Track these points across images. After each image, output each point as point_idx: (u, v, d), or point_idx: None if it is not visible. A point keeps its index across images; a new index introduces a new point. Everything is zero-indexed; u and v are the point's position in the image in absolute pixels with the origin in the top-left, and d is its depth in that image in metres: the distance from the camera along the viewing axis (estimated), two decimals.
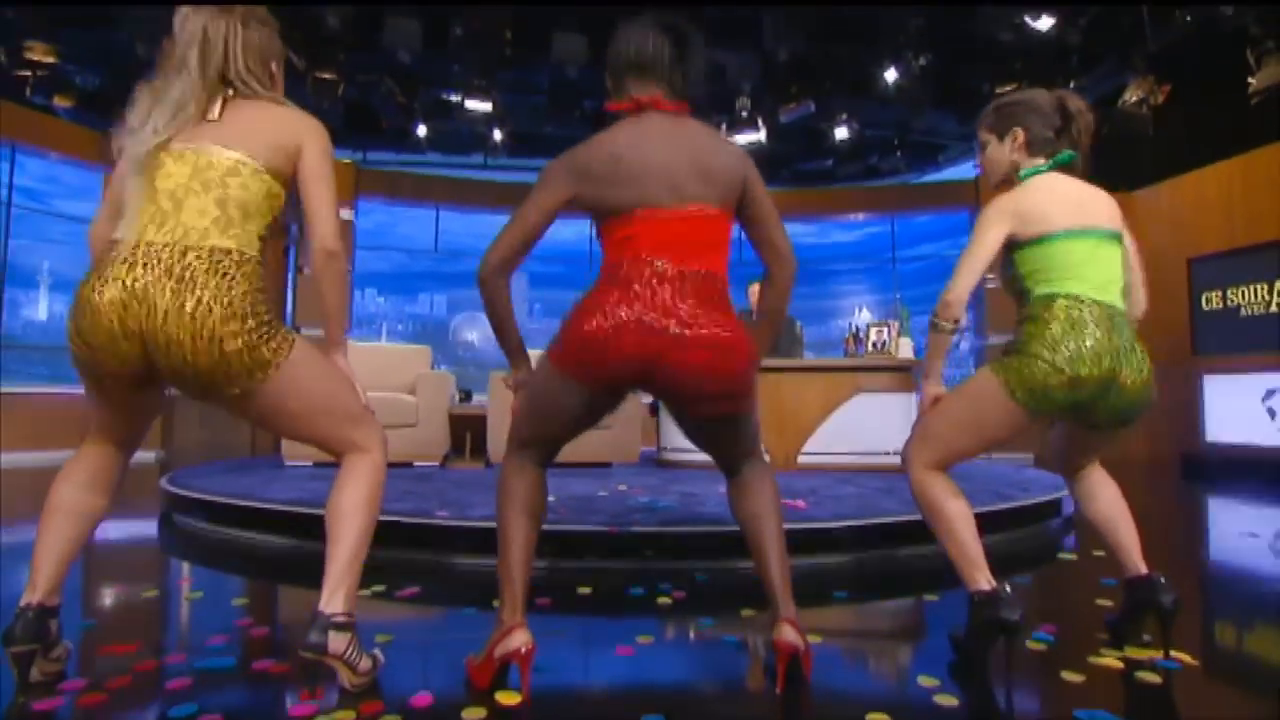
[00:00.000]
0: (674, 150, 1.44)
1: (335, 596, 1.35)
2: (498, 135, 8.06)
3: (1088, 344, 1.50)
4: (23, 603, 1.32)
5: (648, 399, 6.02)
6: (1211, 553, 3.00)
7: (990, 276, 1.70)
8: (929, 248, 9.59)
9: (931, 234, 9.54)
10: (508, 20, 6.15)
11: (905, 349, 4.42)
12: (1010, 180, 1.69)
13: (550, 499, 2.95)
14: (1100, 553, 2.66)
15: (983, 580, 1.54)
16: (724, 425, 1.52)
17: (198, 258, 1.27)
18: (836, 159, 9.57)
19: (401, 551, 2.46)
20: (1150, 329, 1.74)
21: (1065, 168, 1.66)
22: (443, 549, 2.51)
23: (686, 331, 1.36)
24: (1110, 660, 1.56)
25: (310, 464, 4.21)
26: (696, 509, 2.86)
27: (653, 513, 2.78)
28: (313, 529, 2.54)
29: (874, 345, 4.52)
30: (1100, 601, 2.00)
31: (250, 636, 1.76)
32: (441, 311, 10.53)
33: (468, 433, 4.80)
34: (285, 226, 1.41)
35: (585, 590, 2.16)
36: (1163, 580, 1.59)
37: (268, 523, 2.79)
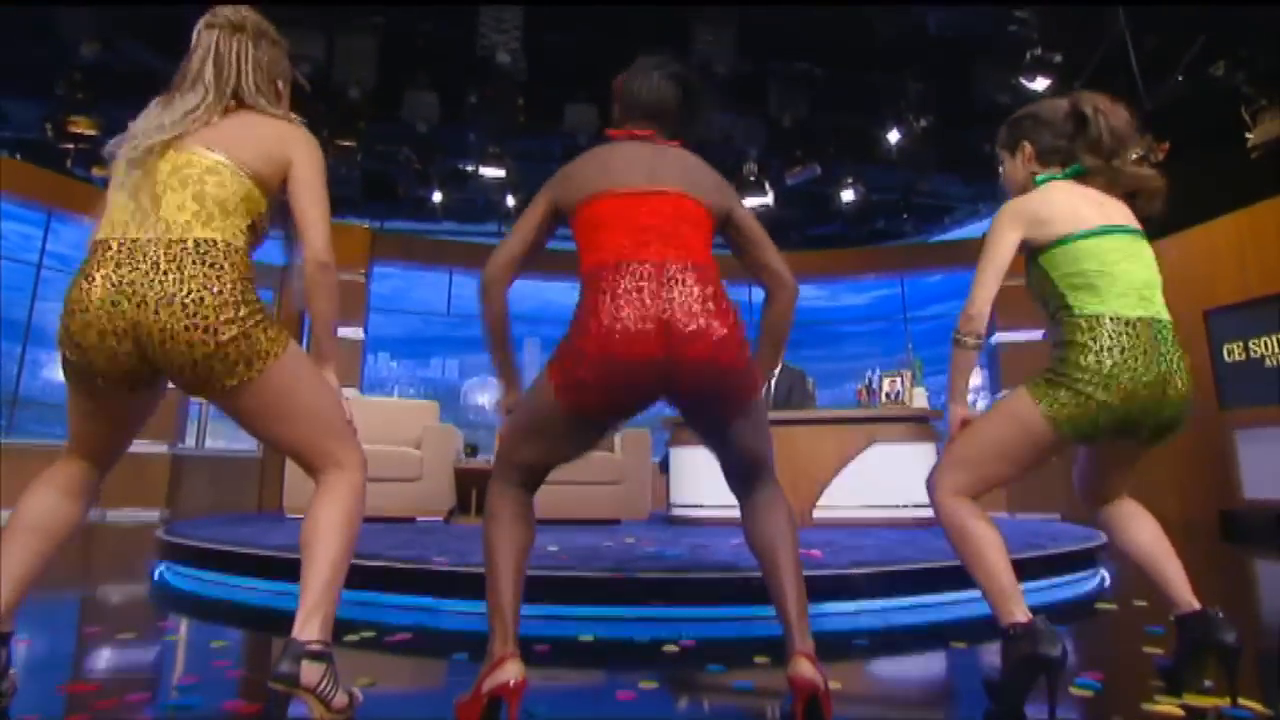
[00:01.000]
0: (658, 158, 1.47)
1: (310, 622, 1.25)
2: (511, 202, 8.28)
3: (1139, 372, 1.42)
4: None
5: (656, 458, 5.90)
6: (1268, 604, 2.79)
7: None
8: (940, 308, 9.57)
9: (943, 294, 9.55)
10: (521, 90, 6.40)
11: (920, 399, 4.32)
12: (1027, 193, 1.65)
13: (553, 548, 2.86)
14: (1142, 602, 2.48)
15: (1018, 612, 1.40)
16: (740, 420, 1.44)
17: (183, 249, 1.25)
18: (844, 223, 9.72)
19: (396, 596, 2.34)
20: None
21: (1081, 178, 1.61)
22: (439, 595, 2.38)
23: (684, 327, 1.32)
24: (1169, 707, 1.40)
25: None
26: (707, 558, 2.72)
27: (661, 560, 2.64)
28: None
29: (888, 396, 4.42)
30: (1149, 649, 1.83)
31: (224, 678, 1.65)
32: (454, 375, 10.55)
33: (474, 489, 4.69)
34: (263, 236, 1.39)
35: (587, 639, 2.02)
36: (1220, 616, 1.45)
37: (257, 568, 2.68)
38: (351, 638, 1.94)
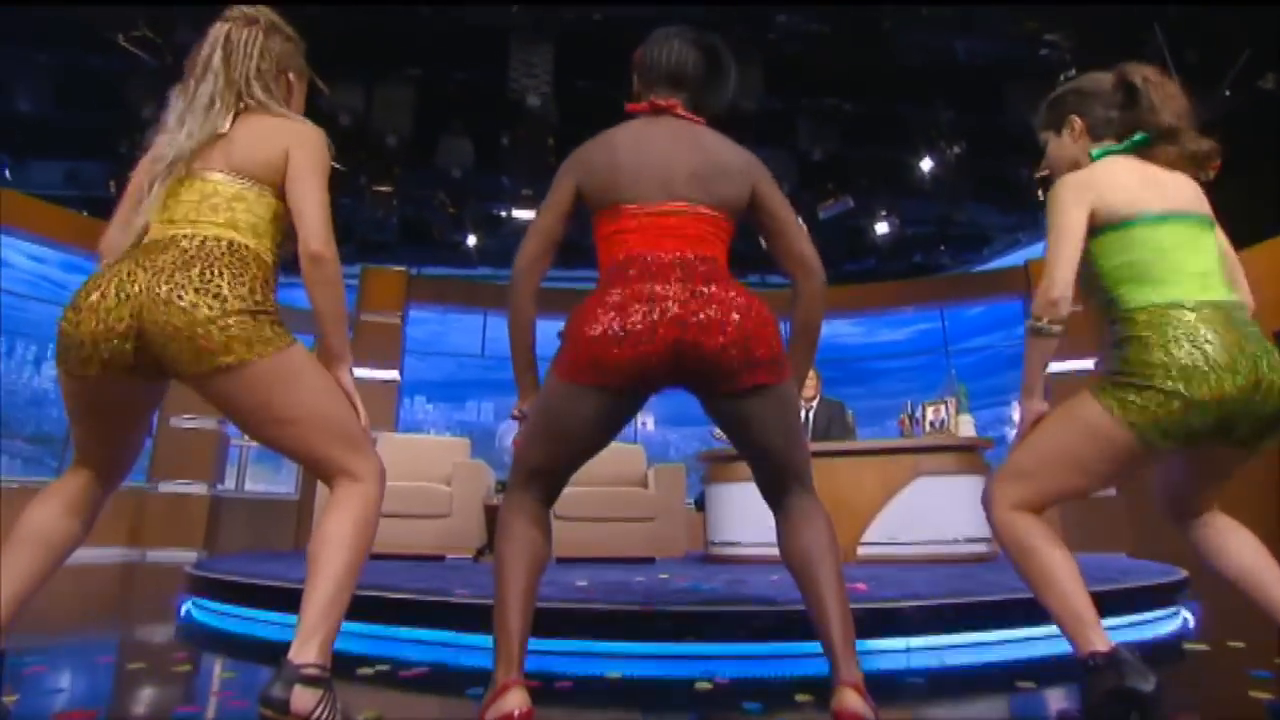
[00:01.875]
0: (674, 150, 1.42)
1: (308, 644, 1.16)
2: None
3: (1211, 357, 1.25)
4: None
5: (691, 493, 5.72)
6: None
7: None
8: (984, 340, 9.27)
9: (985, 326, 9.26)
10: (552, 132, 6.53)
11: (966, 427, 4.10)
12: None
13: (582, 583, 2.73)
14: (1239, 643, 2.23)
15: (1097, 640, 1.23)
16: (767, 405, 1.34)
17: (216, 244, 1.27)
18: (879, 257, 9.58)
19: (415, 630, 2.24)
20: None
21: (1143, 151, 1.45)
22: (460, 629, 2.26)
23: (700, 309, 1.26)
24: None
25: None
26: (743, 592, 2.55)
27: (694, 594, 2.49)
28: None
29: (931, 424, 4.21)
30: (1256, 693, 1.61)
31: (227, 706, 1.55)
32: (489, 418, 10.56)
33: None
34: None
35: (614, 676, 1.88)
36: None
37: (279, 601, 2.60)
38: (365, 670, 1.84)
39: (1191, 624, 2.72)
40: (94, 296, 1.23)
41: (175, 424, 7.01)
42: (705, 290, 1.29)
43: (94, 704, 1.57)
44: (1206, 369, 1.26)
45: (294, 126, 1.41)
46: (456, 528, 4.34)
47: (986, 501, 1.43)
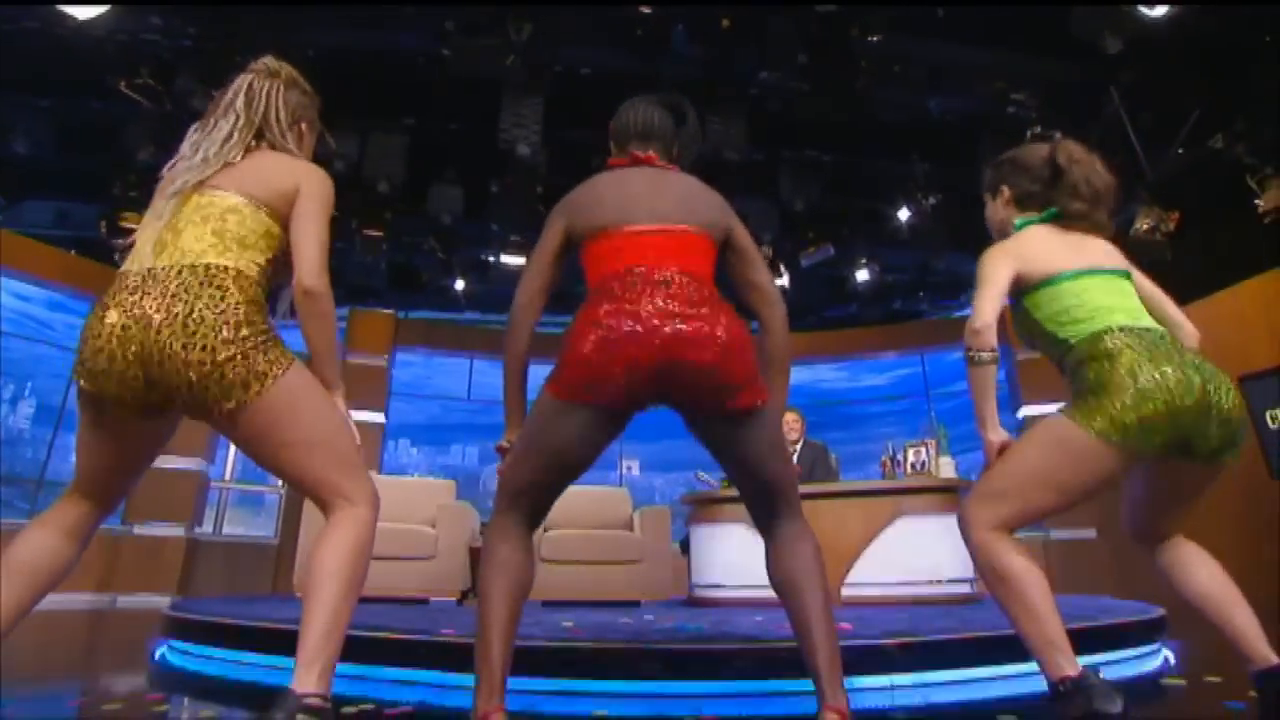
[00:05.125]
0: (656, 189, 1.52)
1: (309, 673, 1.18)
2: None
3: (1163, 369, 1.38)
4: None
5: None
6: None
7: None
8: (963, 384, 9.38)
9: (964, 370, 9.41)
10: (540, 180, 6.70)
11: (947, 469, 4.17)
12: (1008, 236, 1.70)
13: (567, 624, 2.72)
14: (1215, 677, 2.26)
15: (1067, 665, 1.28)
16: (754, 426, 1.40)
17: (192, 273, 1.29)
18: (860, 304, 9.77)
19: (400, 671, 2.22)
20: None
21: (1058, 222, 1.65)
22: (446, 669, 2.25)
23: (686, 326, 1.32)
24: None
25: None
26: (727, 631, 2.56)
27: (678, 634, 2.49)
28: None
29: (913, 466, 4.28)
30: None
31: None
32: (473, 462, 10.48)
33: None
34: (288, 271, 1.41)
35: (600, 714, 1.88)
36: None
37: (258, 642, 2.57)
38: (349, 710, 1.82)
39: (1172, 660, 2.75)
40: (105, 327, 1.27)
41: (156, 465, 6.88)
42: (691, 308, 1.35)
43: None
44: (1163, 379, 1.37)
45: (306, 166, 1.50)
46: (441, 570, 4.29)
47: (964, 523, 1.49)
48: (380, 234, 6.94)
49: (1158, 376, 1.37)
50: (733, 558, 4.11)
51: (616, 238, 1.46)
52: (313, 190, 1.46)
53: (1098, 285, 1.54)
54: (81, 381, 1.28)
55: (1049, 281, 1.56)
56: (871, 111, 5.99)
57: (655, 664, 2.17)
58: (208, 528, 7.39)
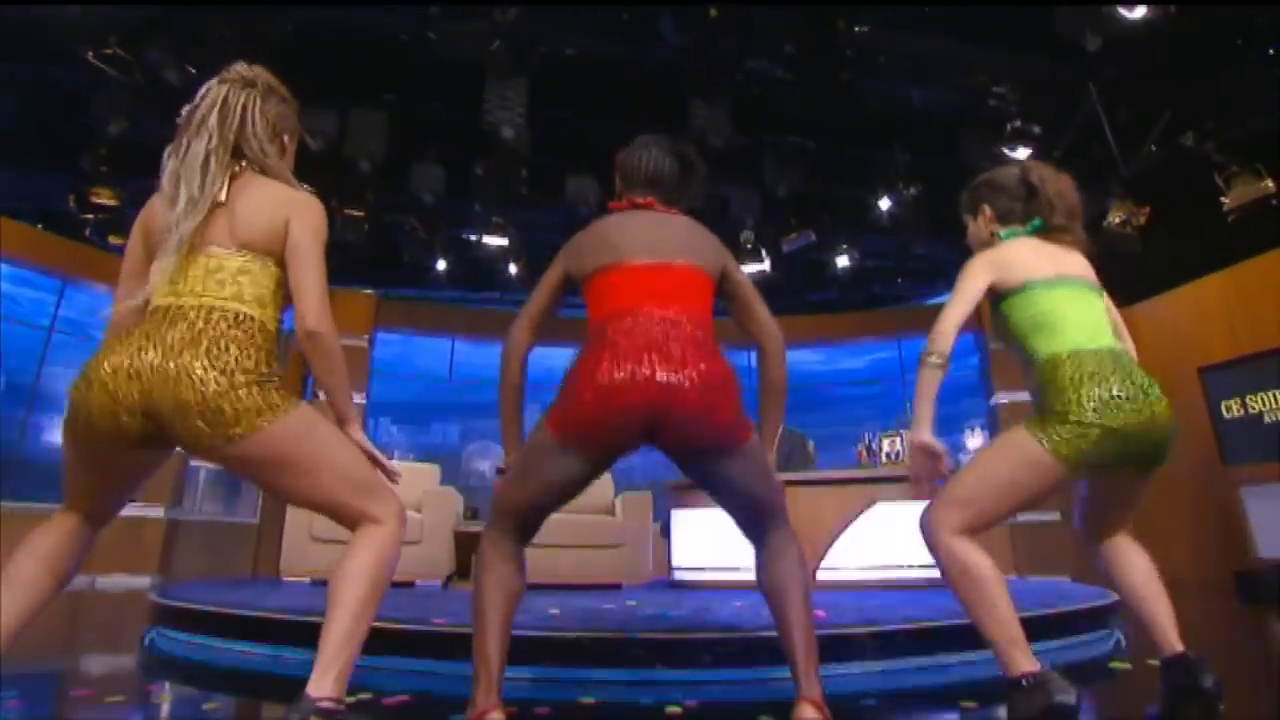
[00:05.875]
0: (656, 231, 1.58)
1: (325, 677, 1.23)
2: (513, 269, 8.47)
3: (1114, 392, 1.50)
4: None
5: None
6: None
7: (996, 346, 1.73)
8: None
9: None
10: (524, 163, 6.67)
11: None
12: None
13: (554, 611, 2.81)
14: (1156, 661, 2.42)
15: (1024, 661, 1.39)
16: (739, 463, 1.49)
17: (223, 315, 1.31)
18: (840, 289, 9.90)
19: (395, 659, 2.29)
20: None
21: (1041, 234, 1.74)
22: (439, 657, 2.33)
23: (679, 377, 1.38)
24: None
25: (308, 580, 4.04)
26: (710, 619, 2.67)
27: (663, 621, 2.60)
28: (298, 637, 2.40)
29: (888, 456, 4.42)
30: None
31: None
32: (454, 440, 10.49)
33: (473, 553, 4.61)
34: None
35: (588, 702, 1.97)
36: (1202, 661, 1.45)
37: (255, 632, 2.62)
38: (347, 699, 1.89)
39: (1123, 644, 2.92)
40: (105, 369, 1.25)
41: None
42: (685, 357, 1.41)
43: None
44: (1110, 404, 1.49)
45: (295, 196, 1.44)
46: (427, 554, 4.36)
47: (927, 528, 1.59)
48: (361, 214, 6.87)
49: (1110, 399, 1.49)
50: (712, 542, 4.24)
51: (616, 273, 1.52)
52: (307, 224, 1.42)
53: (1068, 296, 1.64)
54: (72, 417, 1.27)
55: (1024, 288, 1.66)
56: (855, 101, 6.04)
57: (640, 652, 2.28)
58: (187, 507, 7.36)
